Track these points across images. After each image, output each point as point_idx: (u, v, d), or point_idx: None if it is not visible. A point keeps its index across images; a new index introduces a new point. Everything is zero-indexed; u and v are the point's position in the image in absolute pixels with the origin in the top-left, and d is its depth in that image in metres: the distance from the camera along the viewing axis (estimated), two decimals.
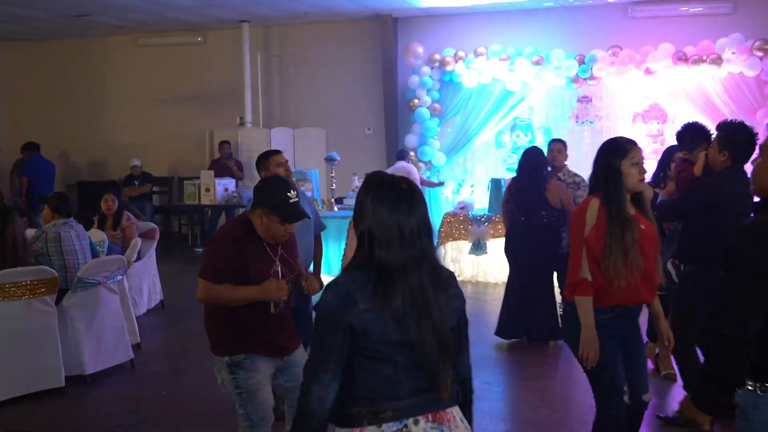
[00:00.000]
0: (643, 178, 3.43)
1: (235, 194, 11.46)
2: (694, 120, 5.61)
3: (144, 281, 7.66)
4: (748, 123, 4.56)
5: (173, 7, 11.01)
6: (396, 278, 2.13)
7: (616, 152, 3.39)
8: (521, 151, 6.68)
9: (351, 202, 9.91)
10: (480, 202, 10.29)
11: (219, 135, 12.33)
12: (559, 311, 6.09)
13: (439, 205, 10.71)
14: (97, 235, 6.93)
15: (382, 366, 2.16)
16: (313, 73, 12.50)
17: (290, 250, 3.50)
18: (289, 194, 3.25)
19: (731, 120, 4.47)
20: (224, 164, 11.71)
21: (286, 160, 4.80)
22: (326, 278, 4.31)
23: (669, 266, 5.05)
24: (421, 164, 10.76)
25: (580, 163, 8.71)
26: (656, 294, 3.58)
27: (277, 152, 4.76)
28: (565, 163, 6.75)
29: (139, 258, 7.46)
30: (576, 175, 6.74)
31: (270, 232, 3.29)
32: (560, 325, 6.00)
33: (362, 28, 12.08)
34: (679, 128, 5.39)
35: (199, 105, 13.11)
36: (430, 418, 2.17)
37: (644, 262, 3.34)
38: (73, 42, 13.67)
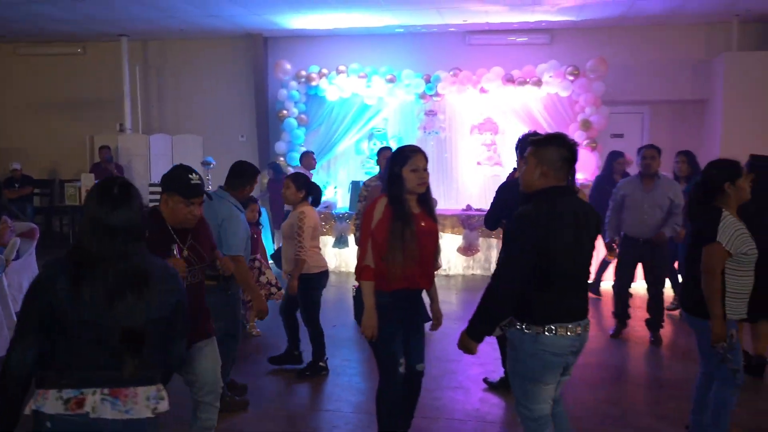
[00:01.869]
0: (424, 182, 3.50)
1: None
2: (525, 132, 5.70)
3: (24, 279, 7.21)
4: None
5: (54, 19, 10.44)
6: (86, 268, 2.19)
7: (399, 160, 3.50)
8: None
9: None
10: (342, 201, 10.44)
11: (99, 140, 11.77)
12: None
13: None
14: None
15: (73, 341, 2.19)
16: (190, 84, 12.22)
17: (202, 240, 3.38)
18: (191, 176, 3.14)
19: (528, 132, 4.82)
20: (105, 168, 11.21)
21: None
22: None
23: None
24: (289, 168, 10.72)
25: None
26: (433, 280, 3.68)
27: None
28: None
29: (18, 257, 7.01)
30: None
31: (175, 215, 3.17)
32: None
33: (235, 45, 11.92)
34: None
35: (80, 112, 12.51)
36: (106, 391, 2.21)
37: (421, 254, 3.47)
38: None
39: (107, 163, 11.24)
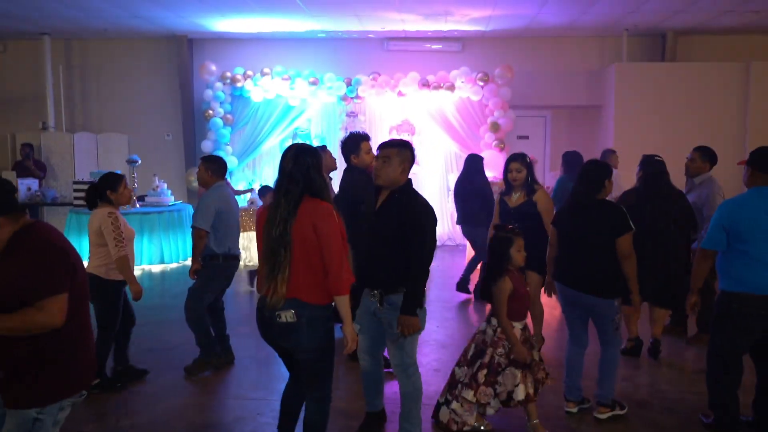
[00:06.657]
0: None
1: (39, 193, 10.20)
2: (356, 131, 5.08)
3: None
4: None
5: None
6: None
7: (320, 159, 2.97)
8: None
9: (151, 199, 9.24)
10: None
11: (22, 138, 10.90)
12: None
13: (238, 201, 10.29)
14: None
15: None
16: (115, 83, 11.48)
17: None
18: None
19: (349, 133, 4.94)
20: (25, 165, 10.39)
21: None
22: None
23: None
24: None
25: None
26: None
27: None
28: None
29: None
30: None
31: None
32: None
33: (160, 46, 11.29)
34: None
35: (1, 110, 11.52)
36: None
37: None
38: None
39: (26, 160, 10.44)
